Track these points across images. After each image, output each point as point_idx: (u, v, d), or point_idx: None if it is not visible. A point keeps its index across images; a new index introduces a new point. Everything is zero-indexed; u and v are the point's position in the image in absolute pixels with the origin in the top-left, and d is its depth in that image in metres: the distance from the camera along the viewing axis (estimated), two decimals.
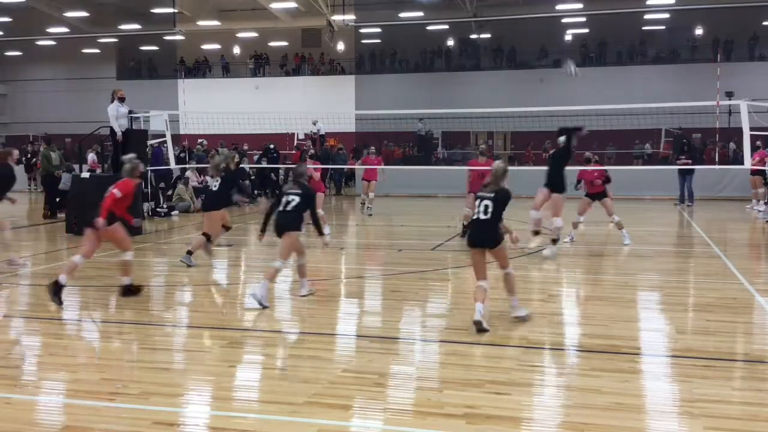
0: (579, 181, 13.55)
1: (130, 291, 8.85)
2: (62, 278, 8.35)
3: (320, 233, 9.02)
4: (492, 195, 7.48)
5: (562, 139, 11.72)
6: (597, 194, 13.32)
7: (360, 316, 8.30)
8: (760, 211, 19.17)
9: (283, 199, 8.66)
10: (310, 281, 8.94)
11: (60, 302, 8.20)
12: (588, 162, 13.61)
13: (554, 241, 11.85)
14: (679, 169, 21.00)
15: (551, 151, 12.77)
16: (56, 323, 7.91)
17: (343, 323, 7.95)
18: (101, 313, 8.31)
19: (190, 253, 11.06)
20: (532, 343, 6.75)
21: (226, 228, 11.74)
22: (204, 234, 11.19)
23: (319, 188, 15.32)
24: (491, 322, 7.67)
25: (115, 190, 8.85)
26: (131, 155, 9.63)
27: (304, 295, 8.70)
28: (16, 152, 12.20)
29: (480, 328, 6.94)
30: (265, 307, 8.06)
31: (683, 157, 21.42)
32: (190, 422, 5.00)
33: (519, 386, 5.50)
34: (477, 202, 7.59)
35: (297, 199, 8.58)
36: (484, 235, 7.47)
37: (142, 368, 6.08)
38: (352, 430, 4.81)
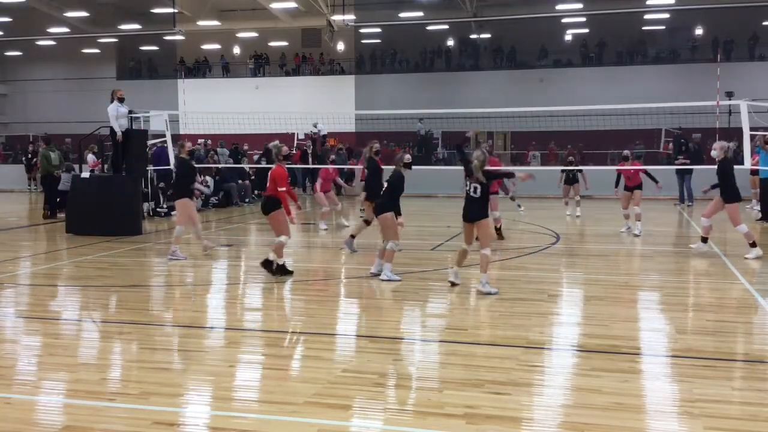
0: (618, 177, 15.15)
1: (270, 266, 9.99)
2: (271, 256, 9.92)
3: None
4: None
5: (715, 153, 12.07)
6: (635, 187, 14.80)
7: (360, 316, 8.30)
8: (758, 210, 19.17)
9: None
10: (309, 281, 8.92)
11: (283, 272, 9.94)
12: (626, 160, 14.99)
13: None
14: (677, 170, 21.01)
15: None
16: (56, 323, 7.91)
17: (343, 323, 7.95)
18: (101, 313, 8.31)
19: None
20: (532, 343, 6.75)
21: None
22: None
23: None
24: (492, 323, 7.68)
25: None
26: (275, 142, 10.60)
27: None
28: (189, 144, 12.50)
29: (452, 284, 9.25)
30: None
31: (681, 157, 21.42)
32: (190, 422, 5.00)
33: (519, 386, 5.50)
34: (468, 184, 9.08)
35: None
36: (473, 212, 9.04)
37: (142, 368, 6.08)
38: (352, 430, 4.81)
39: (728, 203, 11.66)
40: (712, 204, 12.01)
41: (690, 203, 21.35)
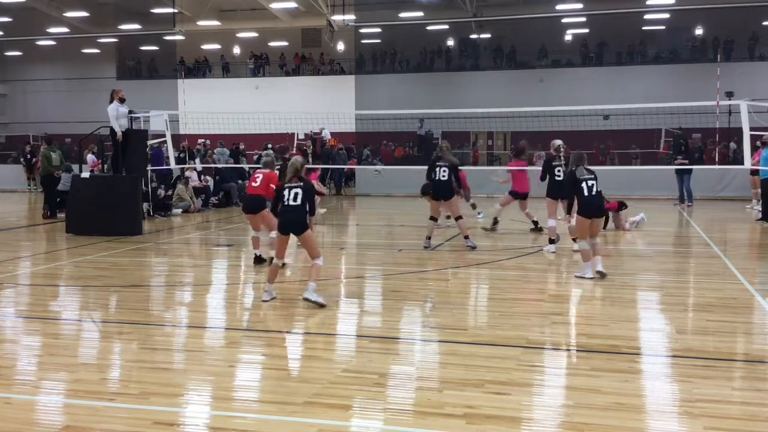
0: None
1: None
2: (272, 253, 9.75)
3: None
4: (447, 164, 12.02)
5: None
6: None
7: (360, 316, 8.30)
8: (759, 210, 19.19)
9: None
10: (306, 281, 8.92)
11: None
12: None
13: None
14: (677, 169, 21.03)
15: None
16: (56, 323, 7.92)
17: (343, 323, 7.95)
18: (101, 313, 8.31)
19: None
20: (531, 343, 6.75)
21: None
22: None
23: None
24: (492, 323, 7.68)
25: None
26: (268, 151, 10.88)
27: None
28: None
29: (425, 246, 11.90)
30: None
31: (680, 157, 21.44)
32: (190, 422, 5.00)
33: (519, 386, 5.50)
34: (438, 169, 11.90)
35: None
36: (441, 191, 11.99)
37: (142, 368, 6.08)
38: (352, 430, 4.81)
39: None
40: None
41: (690, 203, 21.37)
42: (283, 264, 9.15)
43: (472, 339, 6.85)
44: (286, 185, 8.35)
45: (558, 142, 12.65)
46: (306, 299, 8.14)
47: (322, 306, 8.09)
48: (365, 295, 9.50)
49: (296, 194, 8.23)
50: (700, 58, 35.88)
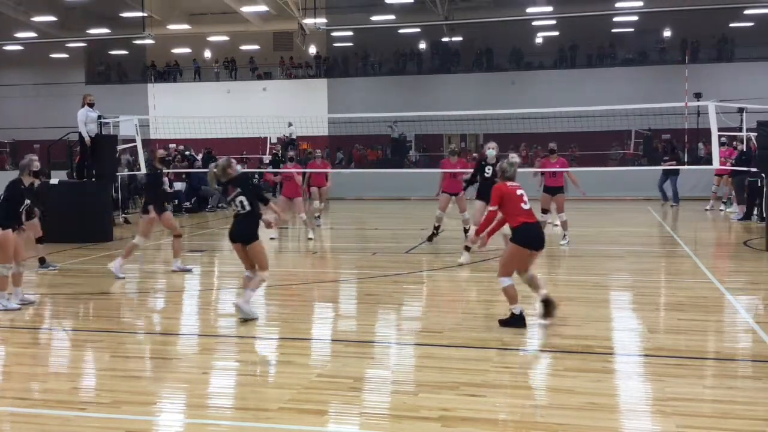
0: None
1: None
2: None
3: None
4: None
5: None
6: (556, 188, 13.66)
7: (334, 320, 8.28)
8: (721, 210, 19.53)
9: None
10: (283, 285, 8.88)
11: None
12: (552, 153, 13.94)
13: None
14: (664, 170, 21.27)
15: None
16: (25, 332, 7.79)
17: (318, 327, 7.92)
18: (71, 322, 8.19)
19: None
20: (506, 344, 6.77)
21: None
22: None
23: (297, 193, 15.18)
24: (466, 325, 7.69)
25: None
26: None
27: None
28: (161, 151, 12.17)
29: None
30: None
31: (668, 158, 21.67)
32: (163, 431, 4.94)
33: (493, 388, 5.52)
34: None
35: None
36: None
37: (113, 377, 6.00)
38: None
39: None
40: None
41: (675, 203, 21.54)
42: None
43: (446, 341, 6.86)
44: (229, 198, 7.86)
45: (492, 144, 12.30)
46: (237, 306, 7.71)
47: (251, 319, 7.64)
48: (339, 298, 9.48)
49: (241, 201, 7.73)
50: (668, 59, 36.32)
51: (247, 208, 7.70)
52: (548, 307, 7.32)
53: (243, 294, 7.76)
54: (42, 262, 11.23)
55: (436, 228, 13.69)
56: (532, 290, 7.54)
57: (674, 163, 20.92)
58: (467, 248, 11.46)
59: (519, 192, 7.46)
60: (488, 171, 11.64)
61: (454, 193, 13.34)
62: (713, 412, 4.99)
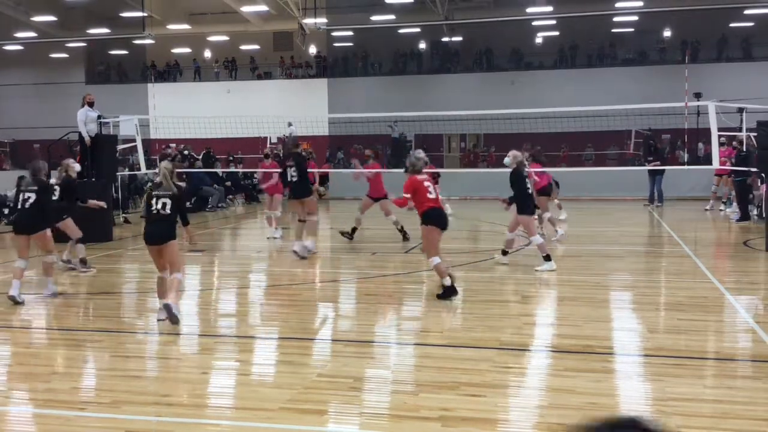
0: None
1: None
2: None
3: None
4: (294, 163, 12.05)
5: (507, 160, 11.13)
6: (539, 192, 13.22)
7: (334, 320, 8.28)
8: (721, 210, 19.54)
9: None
10: (283, 285, 8.89)
11: None
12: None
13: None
14: (649, 170, 21.26)
15: None
16: (26, 332, 7.79)
17: (318, 327, 7.92)
18: (72, 321, 8.19)
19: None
20: (506, 344, 6.77)
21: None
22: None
23: (277, 190, 15.17)
24: (466, 325, 7.69)
25: None
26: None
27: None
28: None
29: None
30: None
31: (652, 158, 21.68)
32: (163, 430, 4.94)
33: (494, 388, 5.52)
34: (290, 169, 11.82)
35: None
36: (299, 190, 12.00)
37: (113, 377, 6.00)
38: None
39: (521, 214, 10.81)
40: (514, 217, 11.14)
41: (659, 203, 21.59)
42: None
43: (446, 341, 6.86)
44: (154, 193, 7.78)
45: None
46: (167, 308, 7.48)
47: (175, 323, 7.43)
48: (339, 298, 9.48)
49: (164, 204, 7.70)
50: (668, 59, 36.31)
51: (168, 211, 7.72)
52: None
53: (168, 303, 7.46)
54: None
55: (353, 229, 14.24)
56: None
57: (658, 163, 20.92)
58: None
59: (426, 183, 8.81)
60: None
61: (378, 197, 13.92)
62: (713, 412, 4.99)
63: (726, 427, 4.72)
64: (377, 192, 13.95)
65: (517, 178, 10.75)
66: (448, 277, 8.53)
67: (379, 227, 17.39)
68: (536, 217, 12.34)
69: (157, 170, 8.64)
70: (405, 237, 14.00)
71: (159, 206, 7.68)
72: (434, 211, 8.76)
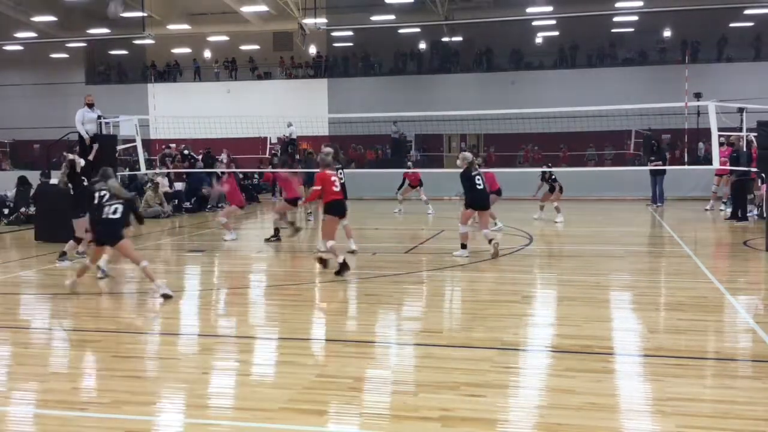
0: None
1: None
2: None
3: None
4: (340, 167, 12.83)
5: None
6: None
7: (334, 320, 8.28)
8: (721, 210, 19.55)
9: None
10: (286, 285, 8.89)
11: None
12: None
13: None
14: (651, 170, 21.26)
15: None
16: (25, 332, 7.79)
17: (318, 327, 7.92)
18: (71, 322, 8.19)
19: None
20: (506, 344, 6.77)
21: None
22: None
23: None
24: (466, 325, 7.69)
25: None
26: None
27: None
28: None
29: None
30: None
31: (653, 158, 21.67)
32: (163, 431, 4.94)
33: (494, 388, 5.51)
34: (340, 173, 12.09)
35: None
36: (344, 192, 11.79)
37: (113, 377, 6.00)
38: None
39: (466, 208, 11.97)
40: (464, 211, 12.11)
41: (660, 203, 21.59)
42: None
43: (446, 342, 6.86)
44: (105, 202, 8.97)
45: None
46: (164, 296, 8.76)
47: (168, 297, 8.74)
48: (339, 299, 9.47)
49: (116, 209, 8.89)
50: (668, 59, 36.32)
51: (118, 215, 8.89)
52: (343, 267, 10.09)
53: (156, 287, 8.89)
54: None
55: (277, 231, 14.51)
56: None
57: (660, 163, 20.92)
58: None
59: (333, 178, 10.49)
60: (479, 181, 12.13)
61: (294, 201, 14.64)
62: (713, 412, 4.99)
63: (726, 427, 4.72)
64: (293, 194, 14.69)
65: (464, 178, 11.90)
66: (341, 256, 10.22)
67: (379, 227, 17.41)
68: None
69: (108, 187, 9.46)
70: (296, 231, 14.62)
71: (111, 211, 8.87)
72: (336, 203, 10.58)
